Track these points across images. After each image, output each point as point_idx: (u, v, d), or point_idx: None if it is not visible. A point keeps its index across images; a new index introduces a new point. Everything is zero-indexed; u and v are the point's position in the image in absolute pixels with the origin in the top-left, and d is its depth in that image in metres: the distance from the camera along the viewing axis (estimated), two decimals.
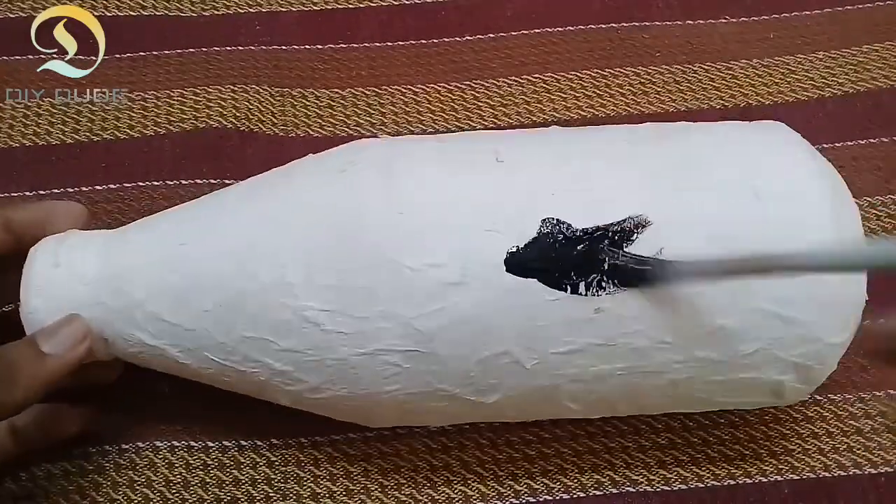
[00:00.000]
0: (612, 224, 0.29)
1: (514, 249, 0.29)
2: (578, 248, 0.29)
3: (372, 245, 0.29)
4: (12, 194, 0.42)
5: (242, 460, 0.35)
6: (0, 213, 0.33)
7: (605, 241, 0.29)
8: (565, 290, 0.29)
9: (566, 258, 0.29)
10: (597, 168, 0.31)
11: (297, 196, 0.31)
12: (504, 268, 0.29)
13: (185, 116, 0.45)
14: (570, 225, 0.29)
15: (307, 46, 0.49)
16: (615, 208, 0.30)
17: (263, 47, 0.49)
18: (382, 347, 0.29)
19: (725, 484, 0.35)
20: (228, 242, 0.31)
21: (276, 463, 0.35)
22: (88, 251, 0.32)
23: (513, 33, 0.50)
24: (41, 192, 0.42)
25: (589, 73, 0.48)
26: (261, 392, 0.32)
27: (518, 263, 0.29)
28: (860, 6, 0.51)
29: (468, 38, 0.50)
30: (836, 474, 0.35)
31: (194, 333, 0.30)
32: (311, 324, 0.29)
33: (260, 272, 0.30)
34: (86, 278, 0.31)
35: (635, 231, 0.29)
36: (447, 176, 0.31)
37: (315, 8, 0.51)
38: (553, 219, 0.29)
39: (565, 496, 0.35)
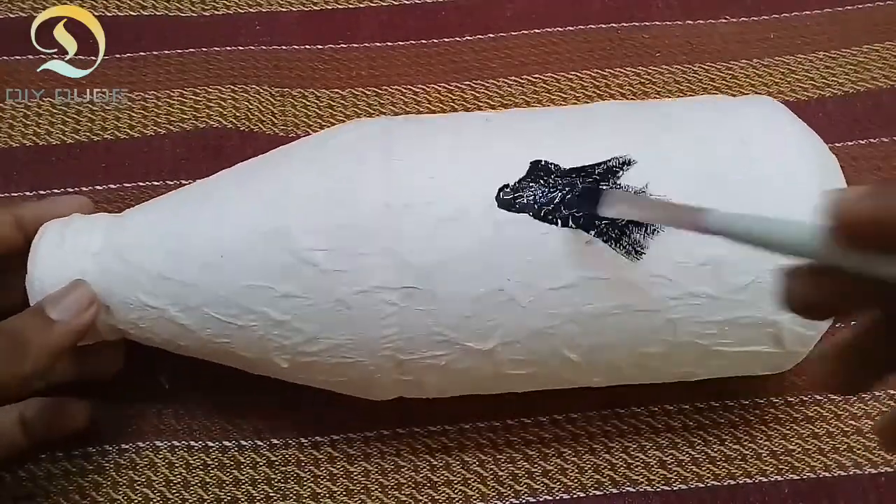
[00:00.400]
0: (598, 163, 0.31)
1: (505, 185, 0.30)
2: (566, 185, 0.30)
3: (368, 190, 0.30)
4: (12, 194, 0.42)
5: (242, 460, 0.35)
6: (10, 211, 0.33)
7: (592, 178, 0.30)
8: (556, 224, 0.30)
9: (555, 194, 0.30)
10: (582, 122, 0.33)
11: (293, 156, 0.33)
12: (496, 204, 0.30)
13: (185, 116, 0.45)
14: (557, 165, 0.31)
15: (307, 46, 0.49)
16: (600, 154, 0.31)
17: (263, 47, 0.49)
18: (379, 285, 0.30)
19: (726, 484, 0.35)
20: (229, 202, 0.32)
21: (277, 463, 0.35)
22: (94, 229, 0.33)
23: (513, 33, 0.50)
24: (41, 192, 0.42)
25: (589, 73, 0.48)
26: (259, 354, 0.32)
27: (509, 199, 0.30)
28: (860, 6, 0.51)
29: (468, 38, 0.50)
30: (836, 474, 0.35)
31: (195, 289, 0.31)
32: (309, 264, 0.30)
33: (259, 222, 0.31)
34: (91, 249, 0.32)
35: (620, 169, 0.30)
36: (440, 133, 0.33)
37: (315, 8, 0.51)
38: (541, 161, 0.31)
39: (565, 496, 0.35)
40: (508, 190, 0.30)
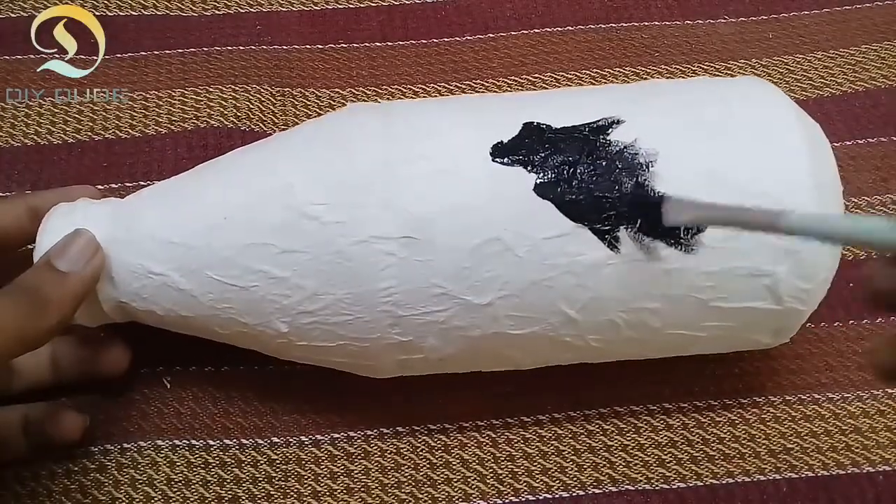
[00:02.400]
0: (587, 123, 0.32)
1: (499, 142, 0.31)
2: (556, 141, 0.31)
3: (368, 149, 0.32)
4: (13, 194, 0.42)
5: (244, 458, 0.35)
6: (24, 200, 0.34)
7: (582, 135, 0.32)
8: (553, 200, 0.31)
9: (546, 149, 0.31)
10: (575, 93, 0.36)
11: (295, 130, 0.35)
12: (490, 158, 0.31)
13: (185, 116, 0.45)
14: (549, 125, 0.32)
15: (308, 46, 0.49)
16: (590, 114, 0.32)
17: (264, 47, 0.49)
18: (377, 234, 0.30)
19: (724, 482, 0.35)
20: (232, 171, 0.33)
21: (278, 461, 0.35)
22: (103, 204, 0.34)
23: (512, 33, 0.50)
24: None
25: (588, 72, 0.48)
26: (258, 319, 0.32)
27: (503, 151, 0.31)
28: (858, 6, 0.51)
29: (468, 37, 0.50)
30: (834, 473, 0.35)
31: (197, 251, 0.32)
32: (310, 218, 0.31)
33: (262, 182, 0.32)
34: (99, 222, 0.32)
35: (609, 128, 0.32)
36: (438, 104, 0.36)
37: (316, 8, 0.51)
38: (533, 122, 0.32)
39: (565, 494, 0.35)
40: (502, 144, 0.31)
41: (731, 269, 0.31)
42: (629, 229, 0.30)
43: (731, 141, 0.32)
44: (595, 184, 0.31)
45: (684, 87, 0.36)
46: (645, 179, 0.30)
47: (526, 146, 0.31)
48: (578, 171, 0.31)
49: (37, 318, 0.29)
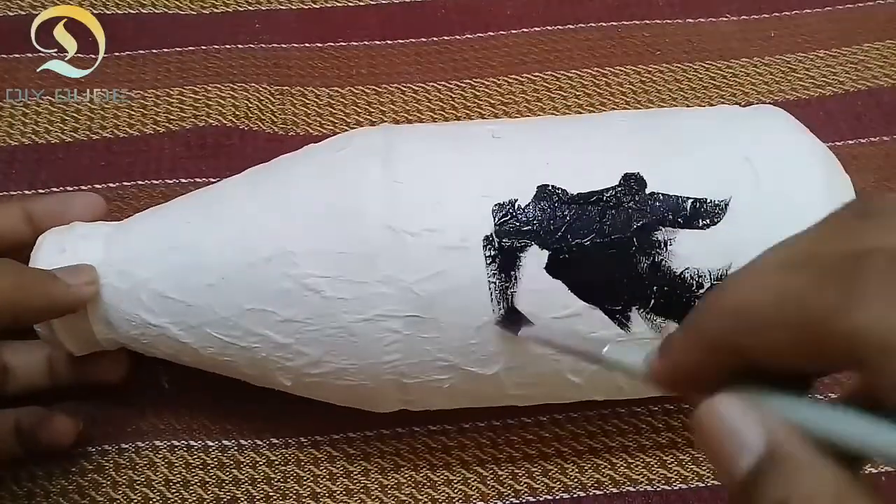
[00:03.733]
0: (605, 189, 0.30)
1: (508, 215, 0.30)
2: (572, 212, 0.30)
3: (370, 214, 0.30)
4: (11, 193, 0.42)
5: (242, 459, 0.35)
6: (21, 205, 0.34)
7: (601, 203, 0.30)
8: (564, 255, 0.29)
9: (560, 222, 0.30)
10: (590, 141, 0.32)
11: (296, 173, 0.32)
12: (497, 233, 0.30)
13: (184, 115, 0.45)
14: (565, 190, 0.30)
15: (307, 45, 0.49)
16: (608, 175, 0.30)
17: (263, 45, 0.49)
18: (382, 313, 0.29)
19: None
20: (230, 221, 0.32)
21: (276, 462, 0.35)
22: (94, 239, 0.32)
23: (513, 31, 0.50)
24: (40, 191, 0.42)
25: (589, 71, 0.48)
26: (262, 372, 0.32)
27: (509, 230, 0.29)
28: (860, 4, 0.51)
29: (468, 36, 0.50)
30: None
31: (197, 309, 0.31)
32: (312, 291, 0.30)
33: (261, 245, 0.30)
34: (91, 261, 0.31)
35: (629, 195, 0.30)
36: (444, 150, 0.32)
37: (315, 6, 0.51)
38: (548, 185, 0.30)
39: (566, 496, 0.34)
40: (513, 217, 0.30)
41: None
42: (641, 310, 0.30)
43: (756, 215, 0.30)
44: (610, 265, 0.30)
45: (705, 134, 0.33)
46: (662, 259, 0.29)
47: (539, 219, 0.30)
48: (593, 250, 0.29)
49: (10, 289, 0.29)
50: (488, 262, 0.29)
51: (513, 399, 0.33)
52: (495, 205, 0.30)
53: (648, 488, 0.35)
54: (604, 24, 0.50)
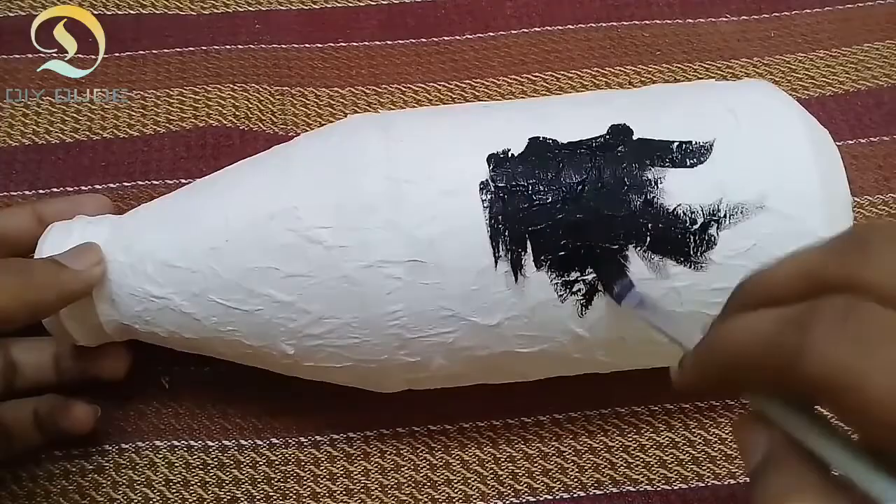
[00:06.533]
0: (596, 136, 0.31)
1: (505, 160, 0.31)
2: (563, 157, 0.31)
3: (371, 168, 0.31)
4: (11, 193, 0.42)
5: (242, 460, 0.35)
6: (32, 206, 0.35)
7: (589, 150, 0.31)
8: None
9: (553, 166, 0.30)
10: (579, 103, 0.34)
11: (297, 146, 0.34)
12: (495, 179, 0.30)
13: (184, 115, 0.45)
14: (555, 140, 0.31)
15: (307, 45, 0.49)
16: (596, 127, 0.31)
17: (263, 46, 0.49)
18: (384, 258, 0.30)
19: (726, 483, 0.35)
20: (232, 187, 0.33)
21: (276, 462, 0.35)
22: (100, 225, 0.33)
23: (512, 32, 0.50)
24: (40, 192, 0.42)
25: (589, 71, 0.48)
26: (264, 341, 0.32)
27: (510, 173, 0.30)
28: (860, 4, 0.51)
29: (468, 36, 0.50)
30: None
31: (201, 275, 0.31)
32: (315, 243, 0.30)
33: (264, 205, 0.31)
34: (98, 241, 0.32)
35: (617, 143, 0.31)
36: (441, 115, 0.35)
37: (315, 6, 0.51)
38: (538, 137, 0.31)
39: (566, 495, 0.34)
40: (506, 163, 0.30)
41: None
42: (638, 248, 0.30)
43: (741, 155, 0.31)
44: (603, 203, 0.30)
45: (689, 95, 0.35)
46: (654, 197, 0.30)
47: (532, 164, 0.30)
48: (586, 190, 0.30)
49: (19, 288, 0.29)
50: (485, 205, 0.30)
51: (517, 362, 0.32)
52: (489, 153, 0.31)
53: (648, 488, 0.35)
54: (603, 24, 0.50)
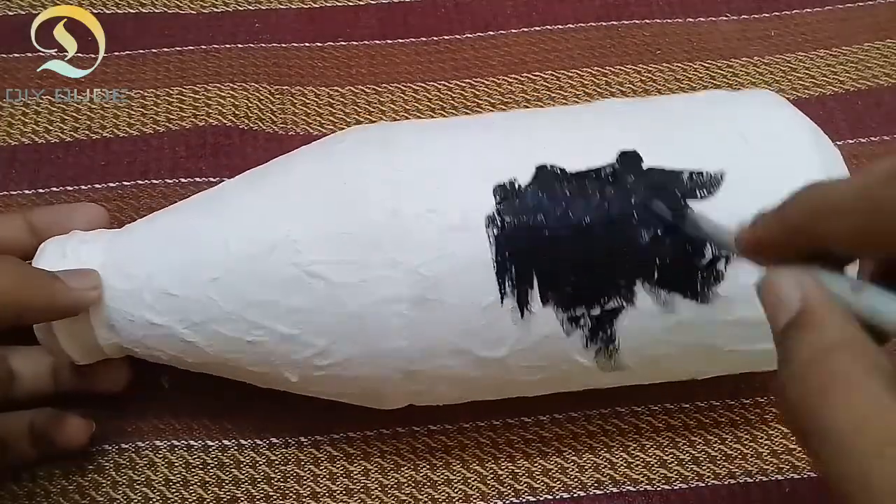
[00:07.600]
0: (604, 166, 0.30)
1: (509, 195, 0.30)
2: (572, 190, 0.30)
3: (373, 198, 0.30)
4: (11, 192, 0.42)
5: (242, 459, 0.35)
6: (23, 216, 0.34)
7: (593, 179, 0.30)
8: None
9: (561, 199, 0.30)
10: (583, 122, 0.33)
11: (294, 165, 0.33)
12: (499, 212, 0.30)
13: (184, 114, 0.45)
14: (563, 169, 0.30)
15: (307, 44, 0.49)
16: (604, 153, 0.31)
17: (263, 45, 0.49)
18: (389, 295, 0.29)
19: (727, 483, 0.35)
20: (231, 215, 0.32)
21: (276, 462, 0.35)
22: (95, 244, 0.32)
23: (513, 31, 0.50)
24: (40, 191, 0.42)
25: (589, 70, 0.48)
26: (268, 370, 0.32)
27: (514, 208, 0.30)
28: (861, 4, 0.51)
29: (468, 35, 0.50)
30: None
31: (201, 305, 0.31)
32: (317, 278, 0.29)
33: (264, 235, 0.30)
34: (92, 264, 0.31)
35: (627, 172, 0.30)
36: (440, 137, 0.33)
37: (314, 5, 0.51)
38: (547, 165, 0.30)
39: (566, 495, 0.34)
40: (514, 196, 0.30)
41: (746, 318, 0.30)
42: (646, 283, 0.30)
43: (752, 185, 0.30)
44: (611, 239, 0.29)
45: (698, 112, 0.33)
46: (662, 231, 0.30)
47: (539, 198, 0.30)
48: (594, 225, 0.29)
49: (12, 286, 0.28)
50: (491, 241, 0.29)
51: (520, 387, 0.33)
52: (496, 185, 0.30)
53: (648, 488, 0.35)
54: (604, 24, 0.50)
